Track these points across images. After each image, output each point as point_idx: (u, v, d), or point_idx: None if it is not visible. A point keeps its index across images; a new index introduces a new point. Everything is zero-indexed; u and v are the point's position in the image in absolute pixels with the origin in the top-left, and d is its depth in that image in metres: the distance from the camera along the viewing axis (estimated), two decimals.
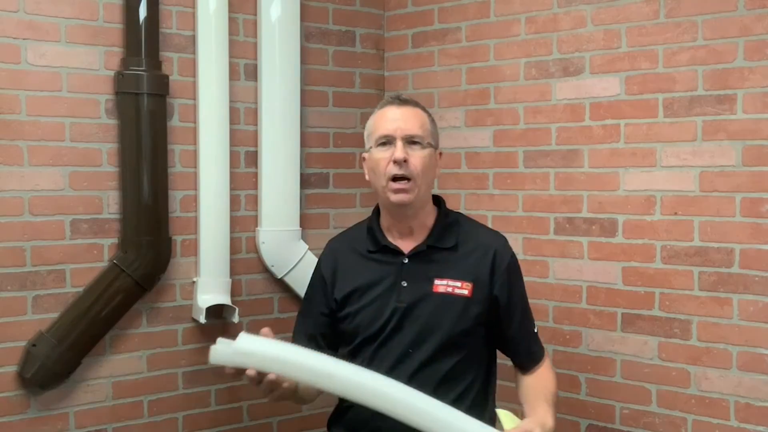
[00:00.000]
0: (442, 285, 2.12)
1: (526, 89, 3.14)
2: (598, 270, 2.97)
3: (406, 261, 2.15)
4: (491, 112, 3.25)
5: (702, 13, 2.70)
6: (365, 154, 2.17)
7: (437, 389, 2.01)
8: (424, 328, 2.09)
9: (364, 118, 2.11)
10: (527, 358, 2.24)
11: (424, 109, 2.18)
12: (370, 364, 2.07)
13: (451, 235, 2.18)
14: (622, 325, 2.92)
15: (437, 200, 2.24)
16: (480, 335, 2.16)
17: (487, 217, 3.24)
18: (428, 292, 2.11)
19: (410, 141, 2.08)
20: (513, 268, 2.23)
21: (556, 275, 3.07)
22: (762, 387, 2.62)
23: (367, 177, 2.18)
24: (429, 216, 2.19)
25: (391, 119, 2.10)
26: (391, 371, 2.02)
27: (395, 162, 2.05)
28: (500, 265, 2.17)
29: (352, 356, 2.14)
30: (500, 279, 2.16)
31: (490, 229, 2.33)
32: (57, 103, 2.83)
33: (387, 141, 2.09)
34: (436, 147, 2.17)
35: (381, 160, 2.09)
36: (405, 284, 2.11)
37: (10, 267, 2.77)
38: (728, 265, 2.68)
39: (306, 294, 2.36)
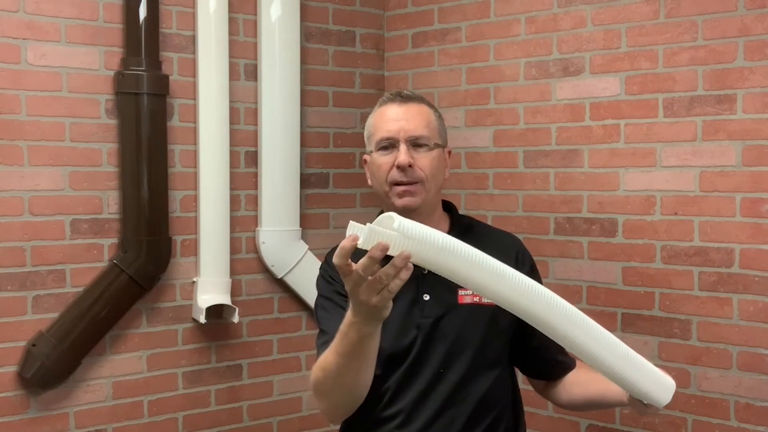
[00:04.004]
0: (467, 295, 1.87)
1: (526, 89, 3.14)
2: (598, 270, 2.97)
3: (426, 272, 1.78)
4: (491, 112, 3.25)
5: (702, 13, 2.70)
6: (366, 156, 1.94)
7: (474, 413, 1.86)
8: (453, 345, 1.86)
9: (364, 118, 1.98)
10: (558, 366, 1.98)
11: (429, 104, 1.94)
12: (400, 388, 1.86)
13: (469, 240, 1.88)
14: (622, 325, 2.91)
15: (447, 206, 2.02)
16: (508, 350, 1.96)
17: (487, 217, 3.24)
18: (453, 304, 1.86)
19: (415, 143, 1.85)
20: (536, 268, 2.03)
21: (556, 275, 3.07)
22: (762, 387, 2.62)
23: (369, 181, 1.95)
24: (441, 221, 1.96)
25: (393, 119, 1.87)
26: (424, 395, 1.85)
27: (399, 168, 1.83)
28: (524, 268, 1.94)
29: (379, 383, 1.85)
30: None
31: (504, 231, 2.11)
32: (57, 103, 2.84)
33: (389, 144, 1.86)
34: (444, 145, 1.93)
35: (383, 165, 1.86)
36: (427, 297, 1.87)
37: (10, 267, 2.77)
38: (728, 265, 2.68)
39: (320, 316, 1.94)
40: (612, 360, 1.67)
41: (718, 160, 2.68)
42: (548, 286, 3.16)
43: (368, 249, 1.43)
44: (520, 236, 3.10)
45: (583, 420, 3.00)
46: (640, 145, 2.85)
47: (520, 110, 3.16)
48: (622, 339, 2.87)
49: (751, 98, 2.61)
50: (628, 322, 2.90)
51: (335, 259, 1.49)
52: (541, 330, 1.62)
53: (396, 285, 1.48)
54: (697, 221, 2.74)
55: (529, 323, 1.62)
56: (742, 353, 2.66)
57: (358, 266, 1.47)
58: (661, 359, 2.82)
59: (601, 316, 2.96)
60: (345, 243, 1.46)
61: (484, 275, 1.51)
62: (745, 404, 2.65)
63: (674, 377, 2.76)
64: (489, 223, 3.16)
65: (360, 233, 1.43)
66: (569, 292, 3.04)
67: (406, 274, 1.47)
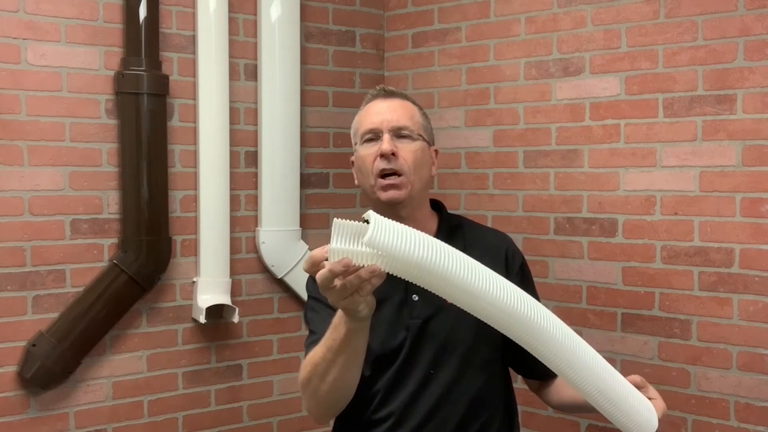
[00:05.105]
0: None
1: (526, 89, 3.14)
2: (598, 270, 2.97)
3: None
4: (491, 112, 3.25)
5: (702, 13, 2.70)
6: (353, 157, 1.93)
7: (467, 414, 1.85)
8: (443, 346, 1.85)
9: None
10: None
11: (413, 102, 1.96)
12: (391, 390, 1.85)
13: (458, 239, 1.91)
14: (622, 325, 2.91)
15: (437, 205, 2.01)
16: (500, 350, 1.93)
17: (487, 217, 3.24)
18: (442, 304, 1.80)
19: (398, 134, 1.85)
20: (526, 266, 2.01)
21: (556, 275, 3.07)
22: (762, 387, 2.62)
23: (356, 180, 1.93)
24: (429, 220, 1.94)
25: (377, 112, 1.89)
26: (415, 396, 1.83)
27: (382, 156, 1.82)
28: (514, 265, 1.95)
29: (369, 385, 1.85)
30: (516, 279, 1.86)
31: (493, 229, 2.09)
32: (57, 103, 2.84)
33: (373, 136, 1.86)
34: (430, 143, 1.92)
35: (367, 156, 1.85)
36: (416, 298, 1.85)
37: (10, 267, 2.77)
38: (728, 265, 2.68)
39: (309, 317, 1.93)
40: (589, 391, 1.64)
41: (718, 160, 2.68)
42: (548, 286, 3.18)
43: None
44: (519, 236, 3.14)
45: (583, 420, 3.00)
46: (640, 145, 2.85)
47: (520, 110, 3.16)
48: (621, 339, 2.90)
49: (751, 98, 2.61)
50: (628, 322, 2.90)
51: (303, 265, 1.50)
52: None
53: (367, 290, 1.48)
54: (697, 221, 2.74)
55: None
56: (742, 353, 2.66)
57: (318, 275, 1.47)
58: (661, 359, 2.82)
59: (601, 316, 2.96)
60: (315, 253, 1.47)
61: (458, 293, 1.48)
62: (745, 404, 2.65)
63: (674, 377, 2.78)
64: (489, 223, 3.17)
65: (332, 241, 1.41)
66: (569, 292, 3.04)
67: (377, 280, 1.47)
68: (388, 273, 1.47)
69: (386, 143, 1.83)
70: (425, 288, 1.49)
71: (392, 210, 1.84)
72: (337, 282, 1.47)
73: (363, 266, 1.44)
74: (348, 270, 1.44)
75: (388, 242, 1.39)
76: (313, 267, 1.48)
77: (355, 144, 1.92)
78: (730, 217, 2.67)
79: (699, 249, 2.73)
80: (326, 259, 1.44)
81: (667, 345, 2.81)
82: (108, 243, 2.95)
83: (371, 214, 1.41)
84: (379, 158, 1.83)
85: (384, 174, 1.83)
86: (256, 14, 3.26)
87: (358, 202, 3.55)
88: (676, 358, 2.79)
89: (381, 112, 1.88)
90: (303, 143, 3.36)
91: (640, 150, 2.85)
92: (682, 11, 2.74)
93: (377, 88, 1.98)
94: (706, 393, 2.73)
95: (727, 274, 2.68)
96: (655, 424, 1.74)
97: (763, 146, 2.60)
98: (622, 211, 2.90)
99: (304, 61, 3.36)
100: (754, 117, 2.61)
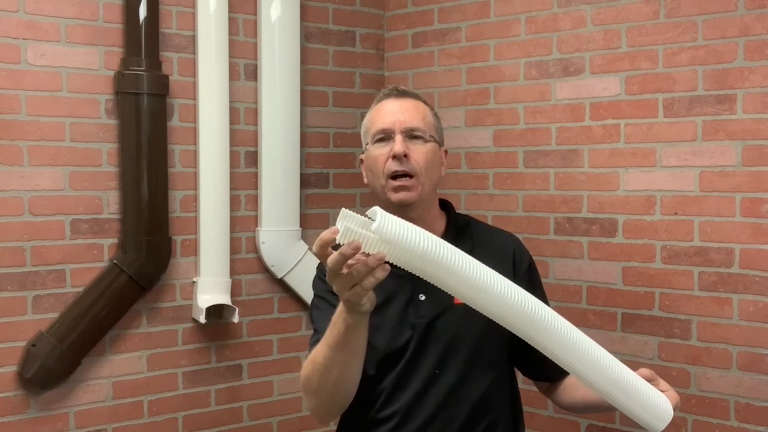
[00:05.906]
0: None
1: (526, 89, 3.14)
2: (598, 270, 2.97)
3: None
4: (491, 112, 3.25)
5: (702, 13, 2.70)
6: (362, 155, 1.92)
7: (472, 414, 1.84)
8: (449, 346, 1.83)
9: (364, 118, 1.99)
10: (557, 368, 1.77)
11: (425, 102, 1.94)
12: (395, 389, 1.84)
13: (466, 239, 1.91)
14: (622, 325, 2.92)
15: (444, 205, 1.99)
16: (506, 351, 1.91)
17: (487, 217, 3.24)
18: (449, 304, 1.80)
19: (411, 135, 1.84)
20: (534, 267, 2.00)
21: (556, 275, 3.07)
22: (762, 387, 2.62)
23: (365, 180, 1.92)
24: (437, 220, 1.94)
25: (389, 112, 1.87)
26: (420, 396, 1.83)
27: (394, 157, 1.81)
28: (521, 266, 1.95)
29: (373, 384, 1.85)
30: (524, 280, 1.91)
31: (501, 230, 2.08)
32: (57, 103, 2.84)
33: (385, 136, 1.84)
34: (440, 143, 1.92)
35: (379, 156, 1.84)
36: (423, 297, 1.84)
37: (10, 267, 2.77)
38: (728, 265, 2.68)
39: (314, 316, 1.92)
40: (600, 383, 1.62)
41: (718, 160, 2.68)
42: (548, 286, 3.17)
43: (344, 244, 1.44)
44: (519, 236, 3.11)
45: (583, 420, 3.00)
46: (640, 145, 2.85)
47: (520, 110, 3.16)
48: (621, 339, 2.90)
49: (751, 98, 2.62)
50: (628, 322, 2.90)
51: (313, 248, 1.50)
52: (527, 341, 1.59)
53: (370, 283, 1.48)
54: (697, 221, 2.74)
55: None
56: (742, 353, 2.66)
57: (329, 259, 1.47)
58: (661, 359, 2.82)
59: (601, 316, 2.97)
60: (324, 234, 1.47)
61: (463, 286, 1.48)
62: (745, 404, 2.66)
63: (674, 377, 2.78)
64: (489, 223, 3.16)
65: (340, 226, 1.43)
66: (569, 292, 3.04)
67: (381, 274, 1.47)
68: (392, 269, 1.47)
69: (399, 144, 1.82)
70: (429, 281, 1.49)
71: (402, 211, 1.81)
72: (345, 269, 1.47)
73: (370, 254, 1.44)
74: (357, 252, 1.44)
75: (395, 231, 1.41)
76: (323, 248, 1.48)
77: (366, 143, 1.90)
78: (730, 217, 2.67)
79: (699, 249, 2.73)
80: (335, 241, 1.44)
81: (667, 345, 2.81)
82: (108, 243, 2.95)
83: (377, 210, 1.42)
84: (390, 159, 1.82)
85: (395, 175, 1.82)
86: (256, 14, 3.26)
87: (358, 202, 3.55)
88: (676, 358, 2.79)
89: (393, 112, 1.87)
90: (303, 143, 3.36)
91: (640, 150, 2.85)
92: (682, 11, 2.74)
93: (389, 87, 1.96)
94: (706, 393, 2.73)
95: (727, 274, 2.68)
96: (671, 413, 1.73)
97: (763, 146, 2.60)
98: (622, 211, 2.90)
99: (304, 61, 3.36)
100: (754, 117, 2.61)
